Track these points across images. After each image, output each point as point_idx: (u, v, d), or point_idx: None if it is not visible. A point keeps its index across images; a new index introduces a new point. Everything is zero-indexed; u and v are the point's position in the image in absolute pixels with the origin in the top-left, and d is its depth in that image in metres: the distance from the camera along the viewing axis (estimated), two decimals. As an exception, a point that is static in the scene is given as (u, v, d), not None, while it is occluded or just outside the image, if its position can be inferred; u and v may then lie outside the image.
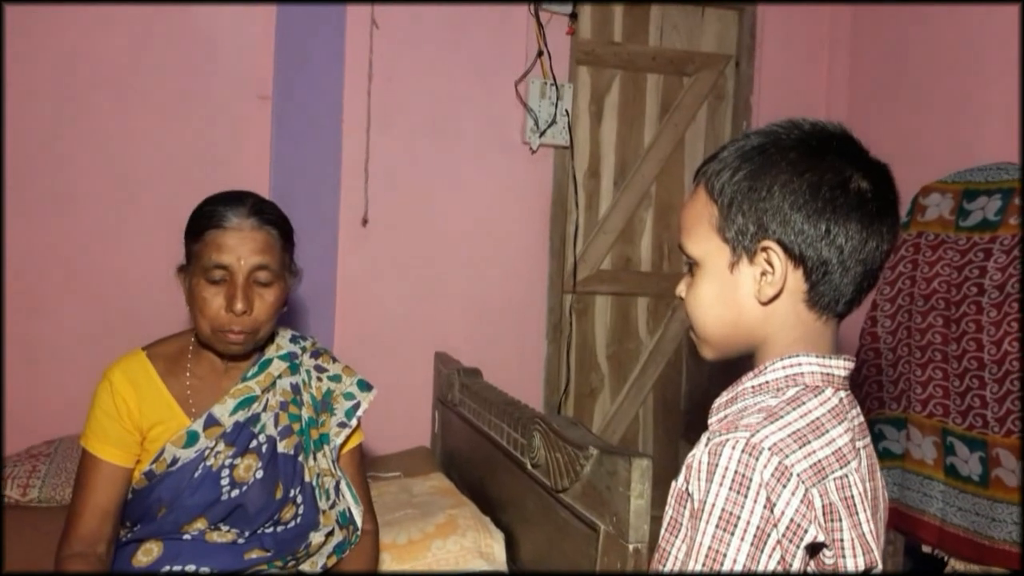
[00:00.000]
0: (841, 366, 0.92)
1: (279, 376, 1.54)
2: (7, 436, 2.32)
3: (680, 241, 0.97)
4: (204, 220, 1.43)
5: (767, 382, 0.91)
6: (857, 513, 0.86)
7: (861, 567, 0.84)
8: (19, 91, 2.38)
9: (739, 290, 0.91)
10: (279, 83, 2.54)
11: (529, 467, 1.78)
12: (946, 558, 2.20)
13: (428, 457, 2.53)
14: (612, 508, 1.42)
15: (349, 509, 1.56)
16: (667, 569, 0.87)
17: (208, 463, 1.45)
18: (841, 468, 0.85)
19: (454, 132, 2.71)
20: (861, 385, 2.47)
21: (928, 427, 2.26)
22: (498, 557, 1.89)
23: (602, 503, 1.45)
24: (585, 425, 1.70)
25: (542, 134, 2.73)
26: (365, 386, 1.64)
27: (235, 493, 1.45)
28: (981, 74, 2.43)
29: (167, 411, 1.47)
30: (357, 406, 1.60)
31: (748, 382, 0.92)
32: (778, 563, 0.78)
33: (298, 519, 1.50)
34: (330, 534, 1.53)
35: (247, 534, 1.46)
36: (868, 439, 0.96)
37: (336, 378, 1.63)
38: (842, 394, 0.91)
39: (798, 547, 0.79)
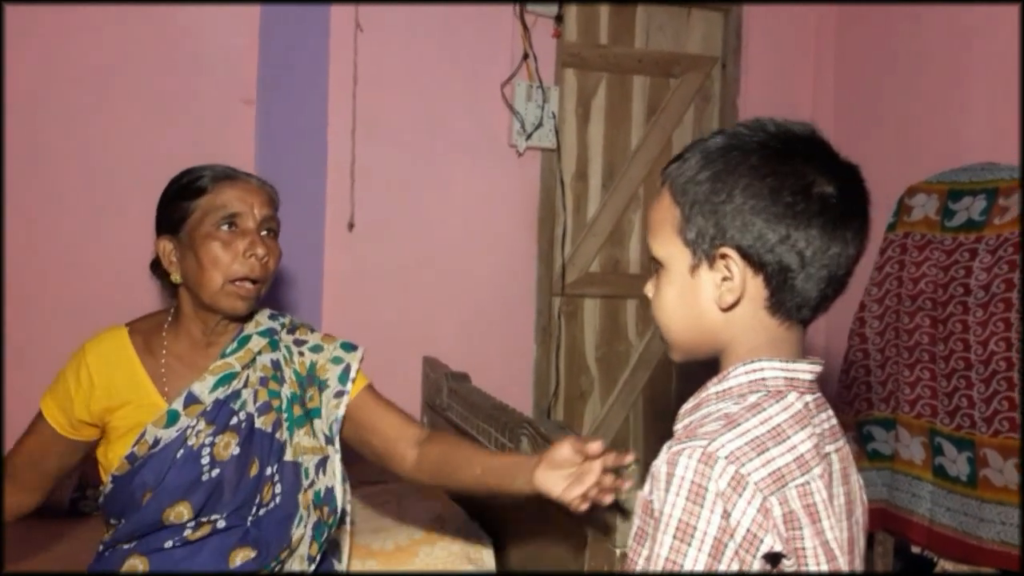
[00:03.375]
0: (806, 370, 0.90)
1: (259, 352, 1.51)
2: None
3: (648, 241, 0.96)
4: (205, 177, 1.43)
5: (730, 388, 0.90)
6: (820, 520, 0.84)
7: (823, 568, 0.83)
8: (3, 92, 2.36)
9: (700, 294, 0.90)
10: (263, 87, 2.53)
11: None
12: (935, 558, 2.20)
13: (417, 462, 2.51)
14: (599, 512, 1.41)
15: (331, 488, 1.49)
16: None
17: (189, 442, 1.42)
18: (803, 475, 0.84)
19: (440, 135, 2.70)
20: (850, 386, 2.48)
21: (916, 428, 2.26)
22: (487, 563, 1.88)
23: (590, 507, 1.45)
24: (573, 429, 1.69)
25: (529, 137, 2.73)
26: (350, 347, 1.58)
27: (215, 472, 1.42)
28: (967, 74, 2.44)
29: (138, 390, 1.45)
30: (347, 368, 1.54)
31: (712, 388, 0.92)
32: (733, 567, 0.79)
33: (277, 499, 1.46)
34: (307, 521, 1.49)
35: (227, 516, 1.42)
36: (841, 442, 0.94)
37: (317, 348, 1.57)
38: (808, 398, 0.90)
39: (755, 557, 0.79)
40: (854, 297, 2.55)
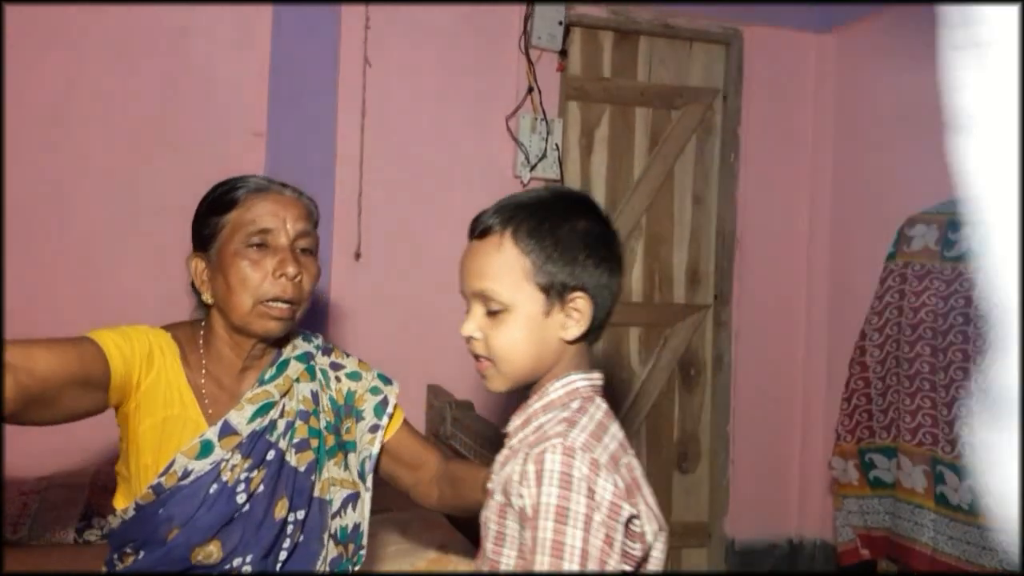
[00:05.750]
0: (599, 378, 1.12)
1: (297, 380, 1.41)
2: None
3: (480, 287, 1.08)
4: (238, 190, 1.34)
5: (552, 400, 1.08)
6: (642, 488, 1.06)
7: (655, 529, 1.05)
8: (12, 118, 2.39)
9: (548, 331, 1.08)
10: (273, 119, 2.57)
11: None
12: (939, 587, 2.20)
13: (421, 490, 2.53)
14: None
15: (358, 525, 1.42)
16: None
17: (223, 477, 1.30)
18: (625, 455, 1.06)
19: (446, 167, 2.74)
20: (851, 414, 2.49)
21: (918, 456, 2.27)
22: (491, 591, 1.88)
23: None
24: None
25: (533, 168, 2.77)
26: (386, 380, 1.51)
27: (246, 509, 1.32)
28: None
29: (179, 404, 1.33)
30: (385, 402, 1.47)
31: (536, 404, 1.09)
32: (604, 538, 0.95)
33: (302, 539, 1.38)
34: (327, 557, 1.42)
35: (252, 561, 1.32)
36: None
37: (355, 376, 1.49)
38: (604, 400, 1.11)
39: (618, 522, 0.97)
40: (854, 326, 2.57)
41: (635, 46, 2.98)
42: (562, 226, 1.06)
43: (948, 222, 2.34)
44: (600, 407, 1.07)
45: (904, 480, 2.31)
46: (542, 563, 0.94)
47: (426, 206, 2.73)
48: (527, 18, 2.74)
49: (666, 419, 3.06)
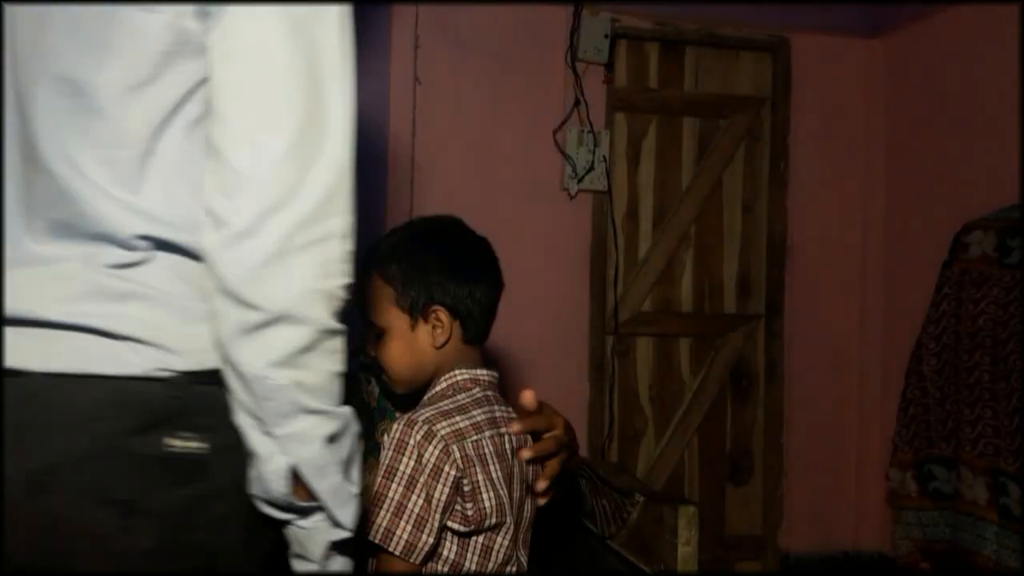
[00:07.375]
0: (484, 373, 1.37)
1: None
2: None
3: (367, 318, 1.36)
4: None
5: (436, 392, 1.33)
6: (488, 463, 1.27)
7: (493, 501, 1.25)
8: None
9: (419, 342, 1.33)
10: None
11: (576, 514, 1.80)
12: (1003, 602, 2.16)
13: (474, 501, 2.55)
14: (659, 555, 1.43)
15: None
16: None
17: None
18: (476, 434, 1.27)
19: (496, 181, 2.77)
20: (908, 425, 2.45)
21: (979, 467, 2.23)
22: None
23: (649, 550, 1.47)
24: (630, 470, 1.72)
25: (580, 180, 2.78)
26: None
27: None
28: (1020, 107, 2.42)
29: None
30: None
31: (426, 395, 1.34)
32: (424, 496, 1.18)
33: None
34: None
35: None
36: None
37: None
38: (489, 392, 1.35)
39: (439, 482, 1.20)
40: (910, 335, 2.53)
41: (681, 56, 2.98)
42: (414, 255, 1.33)
43: (1006, 228, 2.30)
44: (472, 395, 1.31)
45: (965, 492, 2.27)
46: (371, 512, 1.17)
47: (476, 220, 2.73)
48: (573, 32, 2.77)
49: (718, 431, 3.04)
